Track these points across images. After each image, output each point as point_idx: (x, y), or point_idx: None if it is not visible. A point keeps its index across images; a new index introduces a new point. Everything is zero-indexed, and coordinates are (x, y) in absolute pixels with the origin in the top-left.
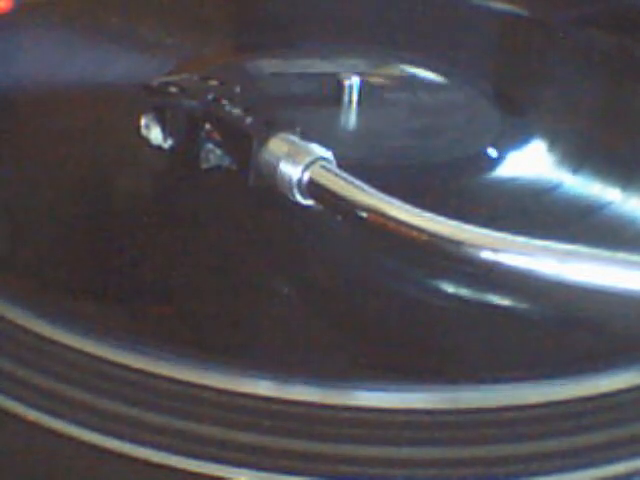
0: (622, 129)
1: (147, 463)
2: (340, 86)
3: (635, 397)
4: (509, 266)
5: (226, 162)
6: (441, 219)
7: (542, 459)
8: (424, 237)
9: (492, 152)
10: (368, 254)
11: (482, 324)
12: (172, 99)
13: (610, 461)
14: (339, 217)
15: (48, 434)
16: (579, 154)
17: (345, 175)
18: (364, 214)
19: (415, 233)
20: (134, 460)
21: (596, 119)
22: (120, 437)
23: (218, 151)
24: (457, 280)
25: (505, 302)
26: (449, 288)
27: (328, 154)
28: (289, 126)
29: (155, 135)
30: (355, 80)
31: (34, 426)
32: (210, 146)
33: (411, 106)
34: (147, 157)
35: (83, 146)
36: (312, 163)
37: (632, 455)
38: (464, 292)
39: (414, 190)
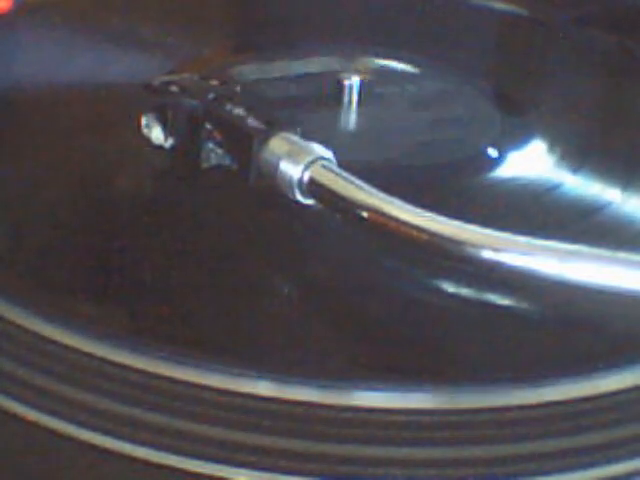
0: (622, 129)
1: (147, 463)
2: (340, 86)
3: (635, 397)
4: (510, 266)
5: (226, 162)
6: (442, 219)
7: (542, 459)
8: (425, 237)
9: (492, 152)
10: (368, 254)
11: (482, 324)
12: (173, 98)
13: (610, 461)
14: (339, 217)
15: (48, 434)
16: (579, 154)
17: (345, 175)
18: (364, 214)
19: (415, 233)
20: (134, 460)
21: (596, 119)
22: (120, 437)
23: (219, 151)
24: (457, 280)
25: (505, 302)
26: (449, 288)
27: (328, 154)
28: (290, 126)
29: (156, 135)
30: (355, 80)
31: (34, 426)
32: (211, 146)
33: (411, 106)
34: (148, 157)
35: (83, 146)
36: (312, 163)
37: (632, 455)
38: (464, 292)
39: (414, 190)
